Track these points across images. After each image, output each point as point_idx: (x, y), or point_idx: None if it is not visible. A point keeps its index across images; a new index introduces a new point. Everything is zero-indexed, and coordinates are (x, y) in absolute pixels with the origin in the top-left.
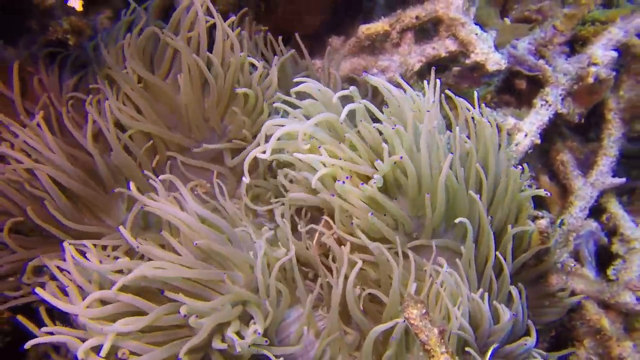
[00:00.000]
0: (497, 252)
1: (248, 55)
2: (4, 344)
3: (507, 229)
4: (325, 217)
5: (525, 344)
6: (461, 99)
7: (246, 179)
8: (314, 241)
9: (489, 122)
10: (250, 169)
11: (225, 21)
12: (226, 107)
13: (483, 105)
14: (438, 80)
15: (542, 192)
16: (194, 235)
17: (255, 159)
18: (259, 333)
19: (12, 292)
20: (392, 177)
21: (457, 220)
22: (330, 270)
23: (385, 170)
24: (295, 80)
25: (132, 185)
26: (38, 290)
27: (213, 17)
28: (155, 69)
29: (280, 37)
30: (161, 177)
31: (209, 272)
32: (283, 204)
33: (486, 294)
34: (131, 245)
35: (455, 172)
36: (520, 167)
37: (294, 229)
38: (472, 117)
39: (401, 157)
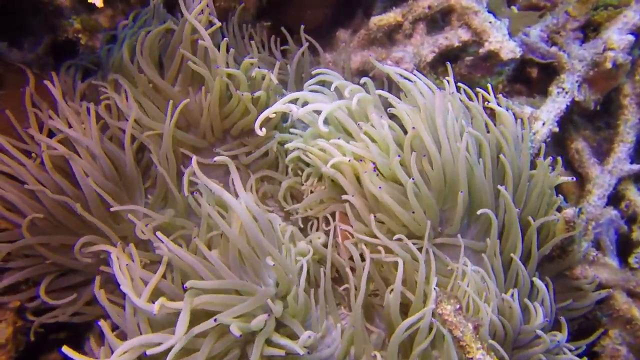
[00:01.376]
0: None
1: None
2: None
3: (532, 220)
4: (341, 211)
5: (557, 340)
6: (480, 89)
7: (261, 132)
8: (339, 239)
9: (507, 111)
10: (263, 165)
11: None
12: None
13: (500, 96)
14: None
15: (568, 179)
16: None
17: (267, 153)
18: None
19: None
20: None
21: (480, 212)
22: (352, 269)
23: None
24: (314, 72)
25: (194, 162)
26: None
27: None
28: (165, 71)
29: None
30: (217, 158)
31: (244, 283)
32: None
33: (515, 291)
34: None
35: (485, 164)
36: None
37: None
38: (491, 108)
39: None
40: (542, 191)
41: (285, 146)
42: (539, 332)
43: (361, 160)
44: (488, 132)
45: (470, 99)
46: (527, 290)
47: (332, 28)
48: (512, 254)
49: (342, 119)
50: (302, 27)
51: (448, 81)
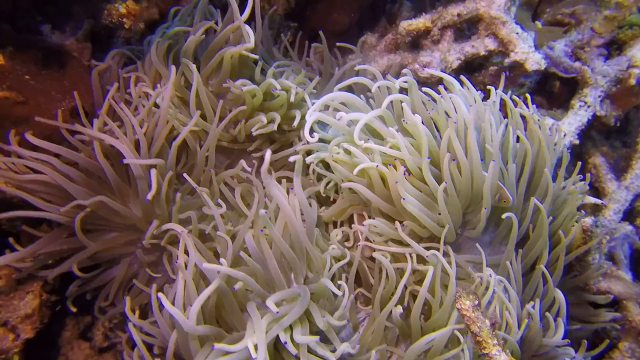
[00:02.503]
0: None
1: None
2: None
3: (562, 233)
4: (359, 213)
5: (572, 356)
6: (516, 97)
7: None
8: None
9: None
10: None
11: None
12: None
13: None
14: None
15: (598, 202)
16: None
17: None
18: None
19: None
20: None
21: (504, 216)
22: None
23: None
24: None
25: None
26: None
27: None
28: (200, 68)
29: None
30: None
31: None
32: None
33: (538, 302)
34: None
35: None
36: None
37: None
38: (525, 117)
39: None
40: (570, 208)
41: (308, 160)
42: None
43: (390, 165)
44: (518, 140)
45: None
46: (549, 302)
47: (358, 32)
48: (540, 265)
49: (377, 127)
50: (327, 30)
51: (494, 88)
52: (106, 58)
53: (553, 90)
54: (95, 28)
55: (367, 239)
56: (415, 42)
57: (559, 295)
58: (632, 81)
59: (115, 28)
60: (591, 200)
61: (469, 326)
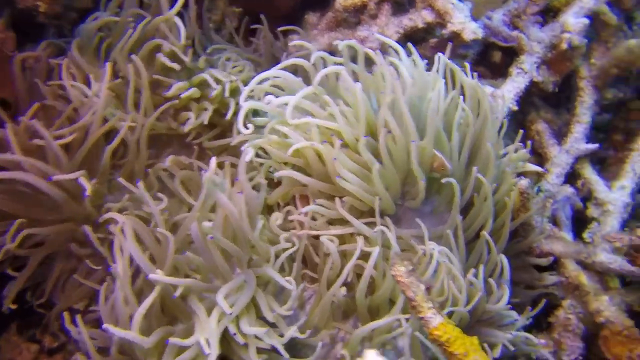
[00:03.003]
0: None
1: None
2: None
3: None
4: (301, 194)
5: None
6: (457, 67)
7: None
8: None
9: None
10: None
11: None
12: None
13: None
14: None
15: (539, 169)
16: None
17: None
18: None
19: None
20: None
21: (444, 180)
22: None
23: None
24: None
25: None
26: None
27: None
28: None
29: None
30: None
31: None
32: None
33: (481, 268)
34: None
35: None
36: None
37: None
38: (464, 86)
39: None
40: (511, 175)
41: (243, 148)
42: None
43: (325, 142)
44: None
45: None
46: (492, 267)
47: (303, 12)
48: (484, 232)
49: (307, 106)
50: (269, 14)
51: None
52: (37, 49)
53: (495, 60)
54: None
55: (310, 225)
56: (355, 19)
57: (503, 260)
58: (564, 45)
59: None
60: (531, 167)
61: (404, 291)
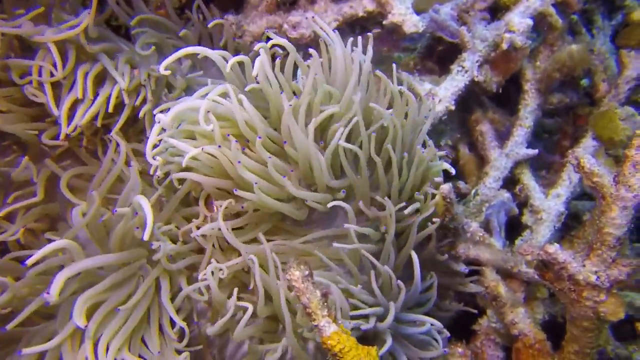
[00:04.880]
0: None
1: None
2: None
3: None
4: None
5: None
6: (378, 72)
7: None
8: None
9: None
10: None
11: None
12: None
13: (400, 72)
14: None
15: (451, 170)
16: None
17: None
18: None
19: None
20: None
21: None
22: None
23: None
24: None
25: None
26: None
27: None
28: None
29: None
30: None
31: None
32: None
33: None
34: None
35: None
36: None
37: None
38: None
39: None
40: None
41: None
42: None
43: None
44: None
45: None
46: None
47: None
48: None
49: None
50: None
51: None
52: None
53: (442, 55)
54: None
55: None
56: (294, 2)
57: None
58: (504, 45)
59: None
60: (445, 166)
61: (298, 297)
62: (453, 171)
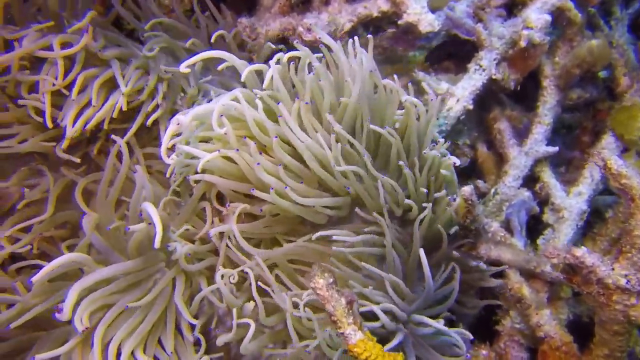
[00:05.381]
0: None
1: None
2: None
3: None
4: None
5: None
6: (389, 82)
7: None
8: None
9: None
10: None
11: None
12: None
13: (417, 72)
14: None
15: (457, 162)
16: None
17: None
18: None
19: None
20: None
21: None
22: None
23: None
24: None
25: None
26: None
27: None
28: None
29: None
30: None
31: None
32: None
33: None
34: None
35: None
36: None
37: None
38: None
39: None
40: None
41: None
42: None
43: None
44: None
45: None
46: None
47: None
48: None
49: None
50: None
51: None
52: None
53: (458, 54)
54: None
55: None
56: (309, 4)
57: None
58: (522, 43)
59: None
60: (453, 159)
61: (324, 305)
62: (458, 162)
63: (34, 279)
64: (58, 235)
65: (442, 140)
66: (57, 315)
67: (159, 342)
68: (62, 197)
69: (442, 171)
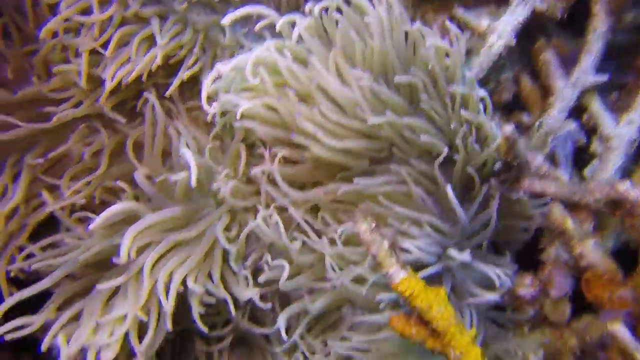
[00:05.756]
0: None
1: None
2: None
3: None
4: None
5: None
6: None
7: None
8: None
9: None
10: None
11: None
12: None
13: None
14: None
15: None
16: None
17: None
18: None
19: None
20: None
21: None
22: None
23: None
24: None
25: None
26: None
27: None
28: None
29: None
30: None
31: None
32: None
33: None
34: None
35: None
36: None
37: None
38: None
39: None
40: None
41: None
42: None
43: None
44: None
45: None
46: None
47: None
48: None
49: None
50: None
51: None
52: None
53: None
54: None
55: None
56: None
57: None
58: None
59: None
60: (482, 94)
61: (368, 249)
62: (484, 93)
63: (92, 226)
64: (118, 187)
65: (472, 76)
66: (114, 259)
67: (209, 276)
68: (116, 151)
69: (463, 112)
